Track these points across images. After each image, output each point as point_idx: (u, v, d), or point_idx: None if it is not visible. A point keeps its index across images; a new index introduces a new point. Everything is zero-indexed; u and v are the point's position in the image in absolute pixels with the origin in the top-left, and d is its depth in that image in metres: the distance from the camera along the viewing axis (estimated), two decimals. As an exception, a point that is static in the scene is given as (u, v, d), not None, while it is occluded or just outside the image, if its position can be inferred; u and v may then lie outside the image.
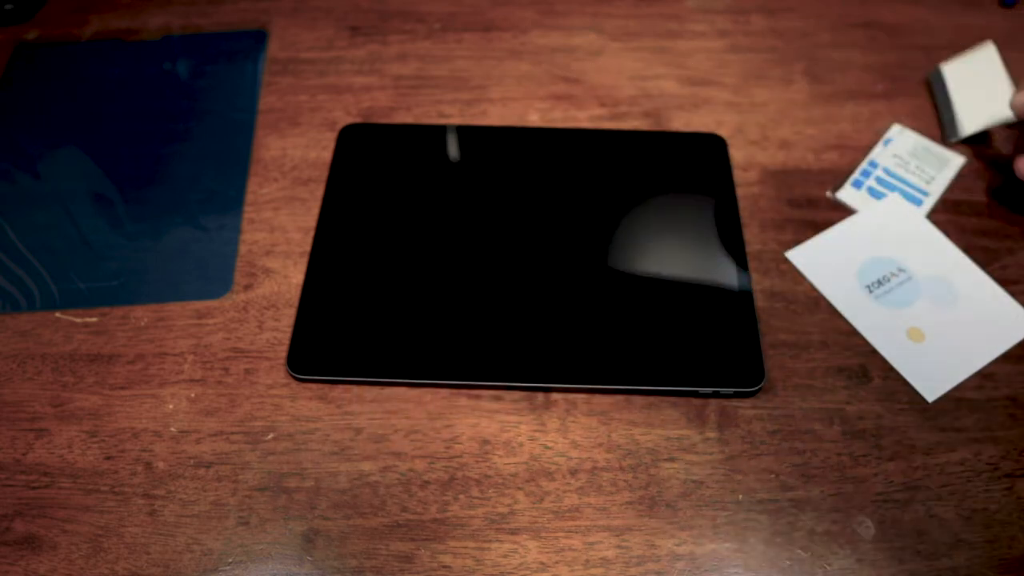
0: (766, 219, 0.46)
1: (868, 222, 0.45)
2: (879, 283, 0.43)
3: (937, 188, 0.46)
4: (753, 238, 0.45)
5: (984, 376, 0.40)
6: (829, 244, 0.45)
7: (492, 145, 0.49)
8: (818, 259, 0.44)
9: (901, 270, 0.43)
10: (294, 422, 0.39)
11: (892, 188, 0.46)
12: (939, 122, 0.50)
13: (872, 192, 0.46)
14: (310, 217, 0.46)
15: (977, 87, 0.49)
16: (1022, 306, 0.42)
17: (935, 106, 0.51)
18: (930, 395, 0.39)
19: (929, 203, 0.46)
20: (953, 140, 0.49)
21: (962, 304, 0.42)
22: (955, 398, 0.39)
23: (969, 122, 0.48)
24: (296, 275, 0.44)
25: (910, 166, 0.47)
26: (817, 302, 0.42)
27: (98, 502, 0.36)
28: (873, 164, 0.47)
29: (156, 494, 0.37)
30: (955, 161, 0.48)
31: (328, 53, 0.55)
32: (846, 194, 0.46)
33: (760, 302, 0.42)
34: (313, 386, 0.40)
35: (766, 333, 0.41)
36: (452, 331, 0.41)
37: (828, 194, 0.46)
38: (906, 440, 0.38)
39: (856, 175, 0.47)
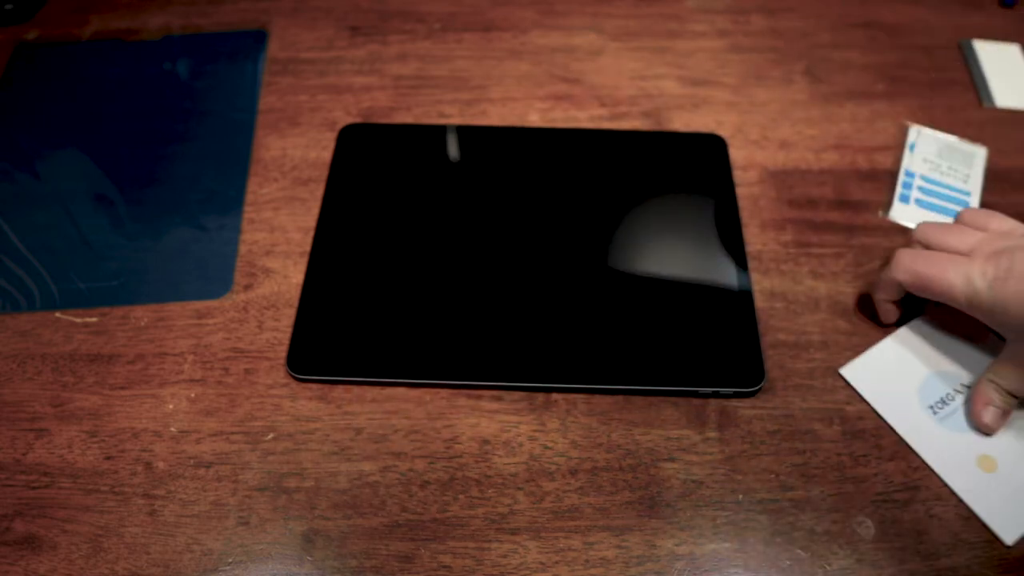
0: (766, 219, 0.46)
1: (921, 333, 0.41)
2: (943, 402, 0.39)
3: (976, 185, 0.46)
4: (753, 238, 0.45)
5: (984, 376, 0.40)
6: (883, 358, 0.41)
7: (492, 145, 0.49)
8: (873, 376, 0.40)
9: (966, 386, 0.39)
10: (294, 422, 0.39)
11: (937, 195, 0.46)
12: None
13: (921, 204, 0.46)
14: (310, 217, 0.46)
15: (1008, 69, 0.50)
16: None
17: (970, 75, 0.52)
18: (1009, 536, 0.35)
19: (975, 204, 0.45)
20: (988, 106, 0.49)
21: None
22: (955, 398, 0.39)
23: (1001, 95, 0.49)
24: (296, 275, 0.44)
25: (943, 168, 0.47)
26: (817, 302, 0.42)
27: (98, 502, 0.36)
28: (909, 174, 0.47)
29: (156, 494, 0.37)
30: (980, 153, 0.48)
31: (328, 53, 0.55)
32: (898, 212, 0.45)
33: (760, 302, 0.42)
34: (313, 386, 0.40)
35: (766, 333, 0.41)
36: (452, 331, 0.41)
37: (880, 214, 0.46)
38: (906, 440, 0.38)
39: (899, 189, 0.46)
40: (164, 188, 0.48)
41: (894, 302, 0.40)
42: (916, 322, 0.41)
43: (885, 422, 0.38)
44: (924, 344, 0.41)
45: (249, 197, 0.47)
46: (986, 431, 0.37)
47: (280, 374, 0.40)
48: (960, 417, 0.38)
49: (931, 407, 0.39)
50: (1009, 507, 0.36)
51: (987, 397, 0.37)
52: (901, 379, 0.40)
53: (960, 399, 0.39)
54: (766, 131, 0.50)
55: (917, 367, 0.40)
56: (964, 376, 0.39)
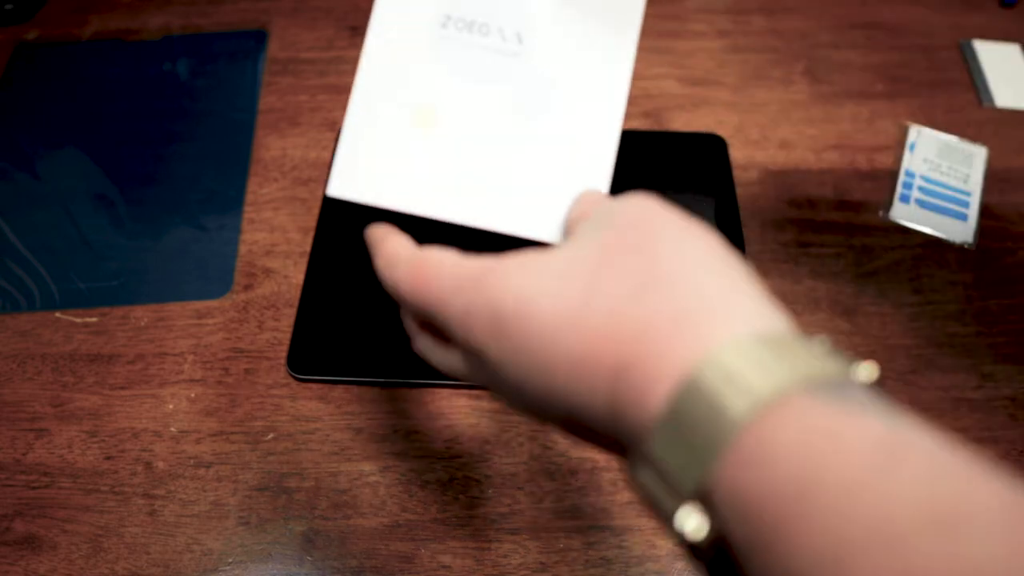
0: (766, 219, 0.46)
1: None
2: (468, 26, 0.27)
3: (975, 185, 0.46)
4: (753, 238, 0.45)
5: (984, 376, 0.40)
6: None
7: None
8: None
9: (518, 38, 0.27)
10: (294, 422, 0.39)
11: (936, 195, 0.46)
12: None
13: (921, 204, 0.46)
14: (310, 217, 0.46)
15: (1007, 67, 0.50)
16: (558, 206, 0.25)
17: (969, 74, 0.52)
18: (336, 186, 0.26)
19: (975, 204, 0.45)
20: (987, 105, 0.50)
21: (544, 143, 0.26)
22: (954, 398, 0.39)
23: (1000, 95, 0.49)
24: (296, 275, 0.44)
25: (943, 168, 0.47)
26: (817, 302, 0.42)
27: (98, 502, 0.36)
28: (910, 174, 0.47)
29: (156, 494, 0.37)
30: (980, 154, 0.48)
31: (328, 53, 0.55)
32: (898, 212, 0.45)
33: (760, 302, 0.42)
34: (313, 386, 0.40)
35: (766, 333, 0.41)
36: (452, 331, 0.41)
37: (880, 214, 0.46)
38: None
39: (899, 189, 0.46)
40: (164, 188, 0.48)
41: None
42: None
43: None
44: None
45: (249, 197, 0.47)
46: None
47: (280, 374, 0.40)
48: (474, 59, 0.27)
49: (448, 17, 0.27)
50: (371, 168, 0.26)
51: None
52: None
53: (492, 42, 0.27)
54: (766, 131, 0.50)
55: None
56: (537, 25, 0.27)
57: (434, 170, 0.26)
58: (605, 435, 0.19)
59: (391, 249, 0.25)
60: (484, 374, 0.22)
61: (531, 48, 0.27)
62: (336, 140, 0.49)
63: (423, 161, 0.26)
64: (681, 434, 0.16)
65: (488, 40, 0.27)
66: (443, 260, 0.23)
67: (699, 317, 0.18)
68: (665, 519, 0.17)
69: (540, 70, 0.27)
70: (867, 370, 0.17)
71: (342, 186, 0.26)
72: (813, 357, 0.17)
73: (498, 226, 0.25)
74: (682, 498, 0.16)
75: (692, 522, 0.16)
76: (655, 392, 0.17)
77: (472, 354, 0.22)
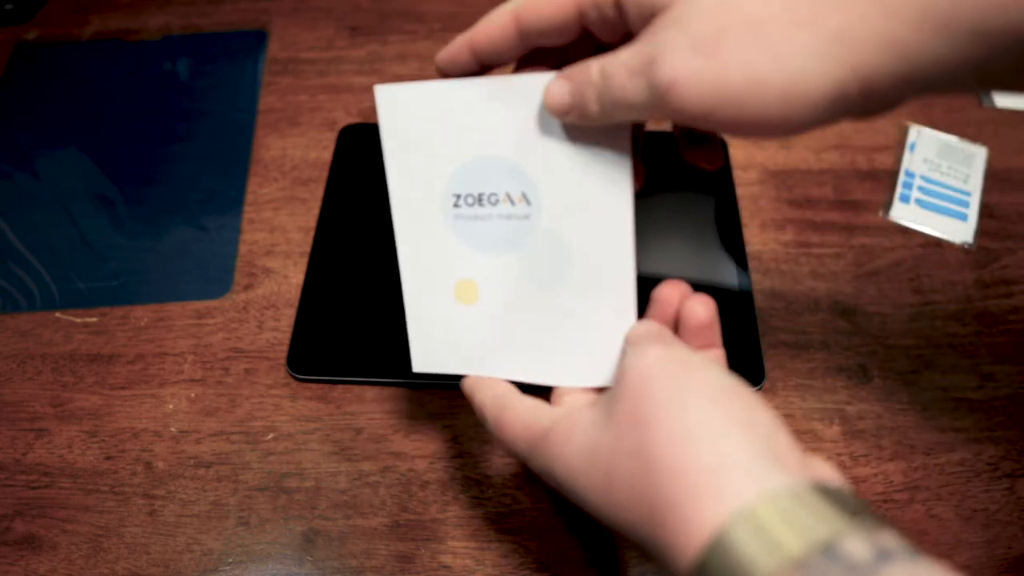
0: (766, 219, 0.46)
1: (530, 94, 0.27)
2: (477, 200, 0.28)
3: (975, 186, 0.46)
4: (753, 238, 0.45)
5: (984, 376, 0.40)
6: (444, 101, 0.29)
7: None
8: (415, 114, 0.29)
9: (525, 199, 0.28)
10: (294, 422, 0.39)
11: (936, 195, 0.46)
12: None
13: (921, 204, 0.46)
14: (310, 217, 0.46)
15: None
16: (618, 353, 0.28)
17: None
18: (417, 363, 0.31)
19: (975, 204, 0.45)
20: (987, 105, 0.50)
21: (572, 297, 0.28)
22: (954, 398, 0.39)
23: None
24: (296, 275, 0.44)
25: (943, 168, 0.47)
26: (817, 302, 0.42)
27: (98, 502, 0.36)
28: (909, 174, 0.47)
29: (156, 494, 0.37)
30: (980, 154, 0.48)
31: (328, 53, 0.55)
32: (899, 212, 0.45)
33: (760, 302, 0.42)
34: (313, 386, 0.40)
35: (766, 333, 0.41)
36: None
37: (880, 215, 0.46)
38: (906, 440, 0.38)
39: (899, 189, 0.46)
40: (164, 188, 0.48)
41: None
42: (527, 79, 0.27)
43: (383, 178, 0.30)
44: (518, 114, 0.27)
45: (249, 197, 0.47)
46: (547, 102, 0.26)
47: (280, 374, 0.40)
48: (485, 229, 0.29)
49: (457, 196, 0.29)
50: (445, 343, 0.30)
51: (580, 73, 0.25)
52: (447, 139, 0.28)
53: (506, 210, 0.28)
54: (766, 131, 0.50)
55: (481, 135, 0.28)
56: (534, 185, 0.28)
57: (488, 338, 0.30)
58: None
59: (479, 401, 0.30)
60: None
61: (539, 206, 0.28)
62: (335, 143, 0.49)
63: (478, 332, 0.30)
64: None
65: (499, 208, 0.29)
66: (515, 419, 0.28)
67: (693, 496, 0.21)
68: None
69: (553, 224, 0.28)
70: (875, 525, 0.19)
71: (422, 363, 0.32)
72: (804, 529, 0.19)
73: (550, 381, 0.29)
74: None
75: None
76: (681, 563, 0.21)
77: None
